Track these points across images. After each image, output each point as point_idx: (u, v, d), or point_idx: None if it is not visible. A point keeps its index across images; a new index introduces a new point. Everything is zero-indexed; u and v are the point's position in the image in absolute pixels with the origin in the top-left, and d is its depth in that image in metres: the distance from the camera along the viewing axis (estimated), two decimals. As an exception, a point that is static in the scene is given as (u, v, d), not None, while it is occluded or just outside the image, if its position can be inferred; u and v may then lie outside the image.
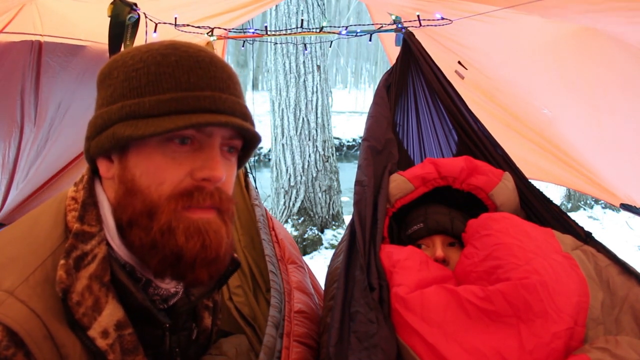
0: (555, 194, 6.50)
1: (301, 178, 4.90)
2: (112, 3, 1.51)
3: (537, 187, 1.49)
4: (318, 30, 2.15)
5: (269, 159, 5.23)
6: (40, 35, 1.61)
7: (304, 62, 4.75)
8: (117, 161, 0.70)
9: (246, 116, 0.73)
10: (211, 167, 0.68)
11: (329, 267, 1.43)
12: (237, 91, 0.74)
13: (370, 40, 2.07)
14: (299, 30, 2.34)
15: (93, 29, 1.76)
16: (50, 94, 1.77)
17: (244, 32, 2.24)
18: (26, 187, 1.95)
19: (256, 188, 1.95)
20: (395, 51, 1.93)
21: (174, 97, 0.66)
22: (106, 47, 1.55)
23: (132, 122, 0.66)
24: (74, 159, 2.20)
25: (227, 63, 0.75)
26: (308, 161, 4.90)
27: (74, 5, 1.65)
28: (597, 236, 1.29)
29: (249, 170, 1.99)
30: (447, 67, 1.97)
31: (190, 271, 0.68)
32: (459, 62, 2.22)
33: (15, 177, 1.82)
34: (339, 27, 2.08)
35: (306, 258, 4.44)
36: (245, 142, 0.78)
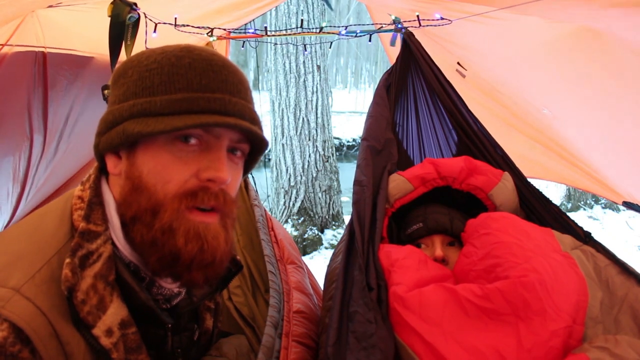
0: (555, 194, 6.51)
1: (301, 178, 4.91)
2: (112, 3, 1.51)
3: (537, 187, 1.49)
4: (318, 31, 2.15)
5: (269, 159, 5.24)
6: (44, 47, 1.62)
7: (304, 62, 4.75)
8: (125, 158, 0.71)
9: (255, 120, 0.74)
10: (217, 167, 0.69)
11: (328, 267, 1.43)
12: (248, 96, 0.75)
13: (370, 40, 2.07)
14: (299, 30, 2.34)
15: (96, 40, 1.76)
16: (59, 107, 1.78)
17: (245, 32, 2.25)
18: (34, 199, 1.96)
19: (256, 188, 1.95)
20: (395, 51, 1.93)
21: (185, 97, 0.67)
22: None
23: (143, 120, 0.67)
24: (81, 168, 2.21)
25: (239, 69, 0.76)
26: (308, 161, 4.91)
27: (75, 16, 1.64)
28: (597, 236, 1.29)
29: (248, 170, 1.98)
30: (447, 67, 1.97)
31: (187, 272, 0.69)
32: (458, 63, 2.22)
33: (26, 189, 1.83)
34: (338, 27, 2.08)
35: (306, 258, 4.45)
36: (252, 147, 0.78)
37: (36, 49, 1.59)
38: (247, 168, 0.83)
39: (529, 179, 1.53)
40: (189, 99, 0.67)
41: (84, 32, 1.78)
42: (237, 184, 0.77)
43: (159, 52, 0.71)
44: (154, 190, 0.68)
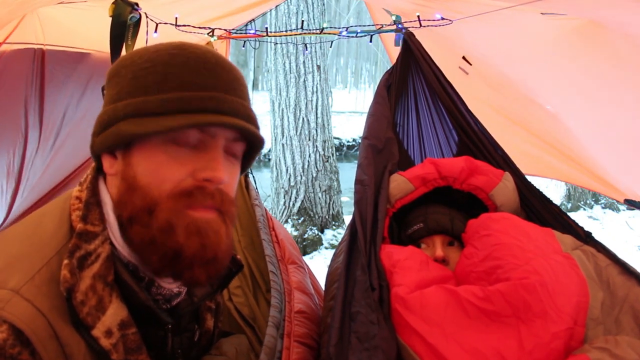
0: (555, 194, 6.51)
1: (301, 178, 4.91)
2: (113, 3, 1.51)
3: (537, 187, 1.49)
4: (318, 31, 2.15)
5: (269, 159, 5.24)
6: (43, 45, 1.61)
7: (304, 62, 4.75)
8: (120, 158, 0.70)
9: (250, 118, 0.73)
10: (213, 167, 0.68)
11: (329, 267, 1.43)
12: (243, 93, 0.74)
13: (370, 41, 2.07)
14: (299, 30, 2.34)
15: (95, 37, 1.76)
16: (55, 103, 1.78)
17: (245, 32, 2.25)
18: (31, 195, 1.95)
19: (256, 188, 1.95)
20: (395, 51, 1.93)
21: (178, 97, 0.66)
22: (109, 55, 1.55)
23: (137, 120, 0.66)
24: (80, 166, 2.21)
25: (235, 65, 0.75)
26: (308, 161, 4.91)
27: (75, 13, 1.64)
28: (597, 236, 1.29)
29: (249, 170, 1.98)
30: (448, 67, 1.96)
31: (188, 270, 0.69)
32: (464, 57, 2.21)
33: (21, 186, 1.83)
34: (339, 27, 2.08)
35: (306, 258, 4.44)
36: (248, 145, 0.78)
37: (35, 47, 1.58)
38: (245, 166, 0.82)
39: (529, 177, 1.52)
40: (183, 99, 0.66)
41: (84, 30, 1.77)
42: (235, 183, 0.77)
43: (152, 51, 0.70)
44: (148, 190, 0.67)
